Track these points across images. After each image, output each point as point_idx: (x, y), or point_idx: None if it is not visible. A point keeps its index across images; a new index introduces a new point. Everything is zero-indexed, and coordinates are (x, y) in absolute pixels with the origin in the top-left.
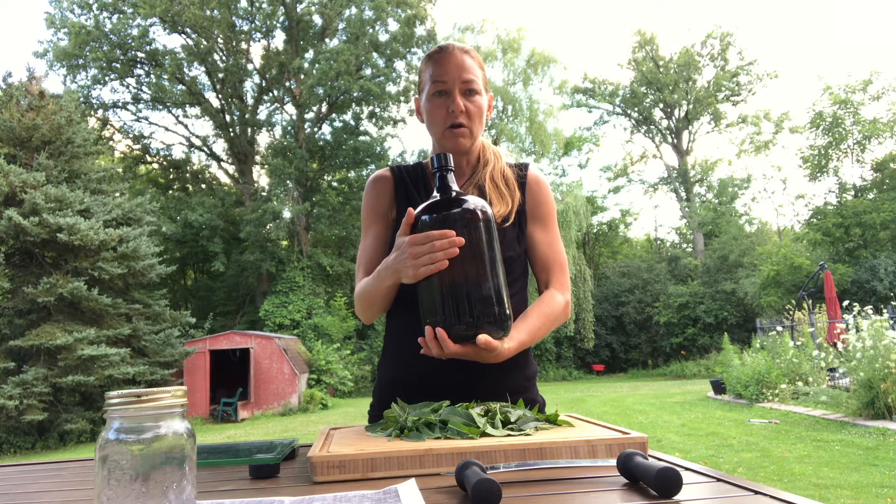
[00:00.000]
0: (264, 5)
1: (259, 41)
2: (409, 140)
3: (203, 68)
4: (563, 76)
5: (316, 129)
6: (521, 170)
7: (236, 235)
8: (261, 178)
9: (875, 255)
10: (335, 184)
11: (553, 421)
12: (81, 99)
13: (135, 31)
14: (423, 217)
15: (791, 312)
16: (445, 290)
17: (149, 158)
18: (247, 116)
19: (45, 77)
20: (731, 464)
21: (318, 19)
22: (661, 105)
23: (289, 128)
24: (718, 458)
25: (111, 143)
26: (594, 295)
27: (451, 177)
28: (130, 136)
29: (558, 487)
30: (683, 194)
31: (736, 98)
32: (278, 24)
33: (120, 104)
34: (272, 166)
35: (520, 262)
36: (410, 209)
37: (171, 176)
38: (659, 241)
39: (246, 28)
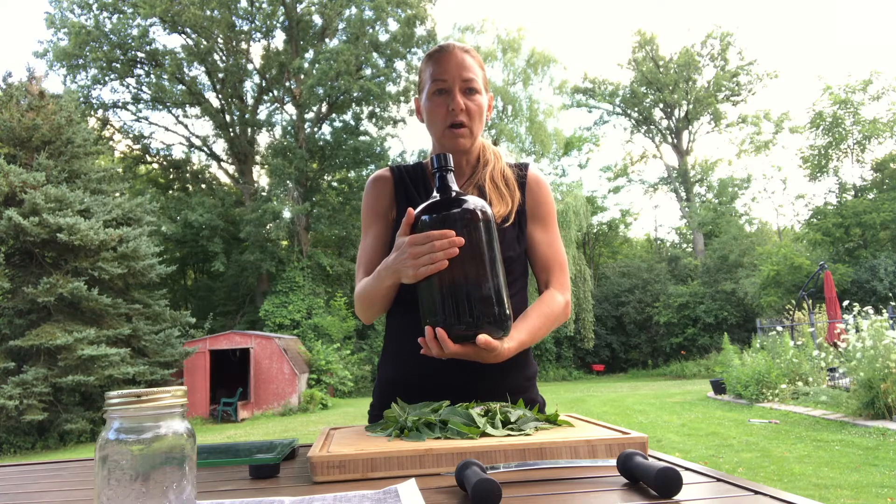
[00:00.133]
0: (264, 5)
1: (259, 41)
2: (409, 140)
3: (203, 68)
4: (563, 76)
5: (316, 129)
6: (520, 170)
7: (236, 235)
8: (261, 178)
9: (875, 255)
10: (335, 184)
11: (553, 421)
12: (81, 99)
13: (135, 31)
14: (423, 217)
15: (791, 312)
16: (445, 290)
17: (149, 158)
18: (247, 116)
19: (45, 77)
20: (731, 464)
21: (318, 19)
22: (661, 105)
23: (289, 128)
24: (718, 458)
25: (111, 143)
26: (594, 295)
27: (451, 177)
28: (130, 136)
29: (558, 487)
30: (683, 194)
31: (736, 98)
32: (278, 24)
33: (120, 104)
34: (272, 166)
35: (520, 262)
36: (410, 209)
37: (171, 176)
38: (659, 241)
39: (246, 28)
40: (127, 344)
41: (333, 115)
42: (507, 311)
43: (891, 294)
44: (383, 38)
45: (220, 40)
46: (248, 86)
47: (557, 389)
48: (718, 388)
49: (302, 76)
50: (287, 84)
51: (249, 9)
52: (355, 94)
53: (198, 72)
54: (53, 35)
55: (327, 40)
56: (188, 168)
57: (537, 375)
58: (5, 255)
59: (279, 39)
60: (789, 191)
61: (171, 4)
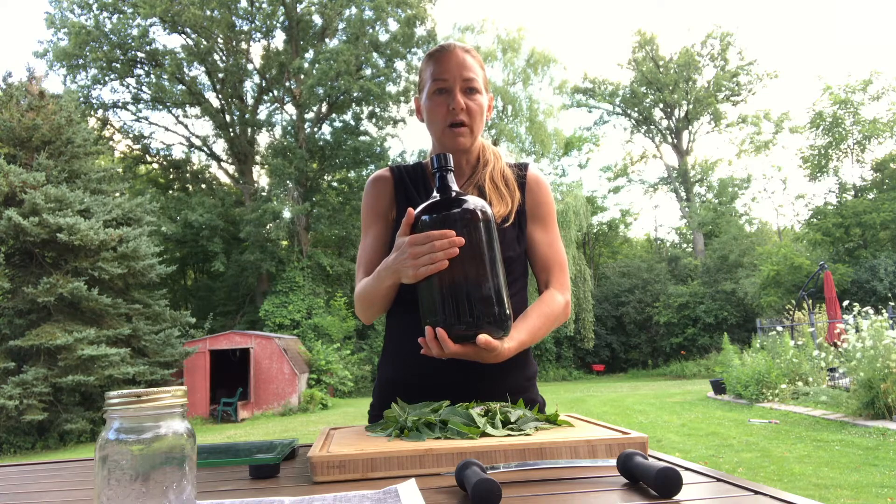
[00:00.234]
0: (264, 5)
1: (259, 41)
2: (409, 140)
3: (203, 68)
4: (562, 76)
5: (316, 129)
6: (520, 170)
7: (236, 235)
8: (261, 178)
9: (875, 255)
10: (335, 184)
11: (553, 421)
12: (81, 99)
13: (135, 31)
14: (423, 217)
15: (791, 312)
16: (445, 290)
17: (149, 158)
18: (247, 116)
19: (45, 77)
20: (731, 464)
21: (318, 19)
22: (661, 105)
23: (289, 128)
24: (718, 458)
25: (111, 143)
26: (594, 295)
27: (451, 177)
28: (130, 136)
29: (558, 487)
30: (683, 194)
31: (736, 98)
32: (278, 24)
33: (120, 104)
34: (272, 166)
35: (520, 262)
36: (410, 209)
37: (171, 176)
38: (659, 241)
39: (246, 28)
40: (127, 344)
41: (333, 115)
42: (508, 311)
43: (891, 294)
44: (383, 38)
45: (220, 40)
46: (248, 86)
47: (557, 389)
48: (718, 388)
49: (302, 76)
50: (287, 84)
51: (249, 9)
52: (355, 94)
53: (198, 72)
54: (53, 35)
55: (327, 40)
56: (188, 168)
57: (537, 375)
58: (5, 255)
59: (279, 39)
60: (789, 191)
61: (171, 4)
